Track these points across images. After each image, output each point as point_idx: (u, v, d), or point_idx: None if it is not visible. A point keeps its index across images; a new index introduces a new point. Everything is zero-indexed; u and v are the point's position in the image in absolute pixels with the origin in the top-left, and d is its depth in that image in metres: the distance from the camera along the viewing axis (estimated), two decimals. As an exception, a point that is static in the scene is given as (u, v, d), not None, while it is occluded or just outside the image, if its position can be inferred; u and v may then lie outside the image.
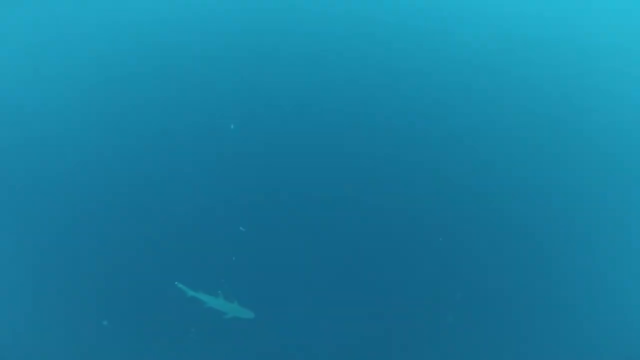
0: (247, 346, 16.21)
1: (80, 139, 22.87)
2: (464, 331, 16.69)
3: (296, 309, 17.16)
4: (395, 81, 27.26)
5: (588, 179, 22.32)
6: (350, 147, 23.10)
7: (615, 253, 19.17)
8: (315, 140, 23.42)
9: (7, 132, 23.00)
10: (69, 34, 29.42)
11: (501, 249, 19.21)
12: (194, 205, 20.13)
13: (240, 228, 18.77)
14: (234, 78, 26.85)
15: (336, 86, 26.69)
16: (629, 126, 25.07)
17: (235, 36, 30.12)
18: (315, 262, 18.48)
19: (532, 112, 25.67)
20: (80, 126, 23.48)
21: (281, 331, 16.57)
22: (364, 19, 32.34)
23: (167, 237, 18.94)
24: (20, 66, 26.66)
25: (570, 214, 20.62)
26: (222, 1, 33.39)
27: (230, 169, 21.87)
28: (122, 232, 19.05)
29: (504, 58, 29.64)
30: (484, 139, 23.92)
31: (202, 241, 18.88)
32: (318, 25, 31.54)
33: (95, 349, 15.85)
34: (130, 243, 18.67)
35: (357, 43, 29.92)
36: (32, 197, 20.21)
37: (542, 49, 30.56)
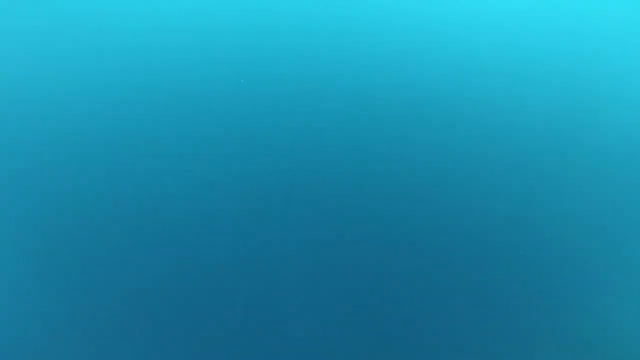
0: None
1: (80, 137, 22.84)
2: (463, 331, 16.62)
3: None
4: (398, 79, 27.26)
5: (588, 179, 22.27)
6: (355, 150, 23.08)
7: (617, 253, 19.11)
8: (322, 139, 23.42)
9: (7, 131, 22.96)
10: (67, 32, 29.36)
11: (501, 248, 19.16)
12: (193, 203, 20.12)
13: (241, 81, 17.44)
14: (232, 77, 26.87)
15: (335, 87, 26.68)
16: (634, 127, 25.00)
17: (234, 34, 30.07)
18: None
19: (534, 113, 25.63)
20: (80, 126, 23.43)
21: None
22: (363, 17, 32.30)
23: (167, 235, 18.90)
24: (19, 64, 26.62)
25: (572, 214, 20.58)
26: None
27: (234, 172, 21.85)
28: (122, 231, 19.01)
29: (507, 58, 29.58)
30: (489, 138, 23.91)
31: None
32: (317, 25, 31.49)
33: (95, 348, 15.78)
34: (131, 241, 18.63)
35: (358, 44, 29.86)
36: (31, 197, 20.16)
37: (549, 51, 30.49)
